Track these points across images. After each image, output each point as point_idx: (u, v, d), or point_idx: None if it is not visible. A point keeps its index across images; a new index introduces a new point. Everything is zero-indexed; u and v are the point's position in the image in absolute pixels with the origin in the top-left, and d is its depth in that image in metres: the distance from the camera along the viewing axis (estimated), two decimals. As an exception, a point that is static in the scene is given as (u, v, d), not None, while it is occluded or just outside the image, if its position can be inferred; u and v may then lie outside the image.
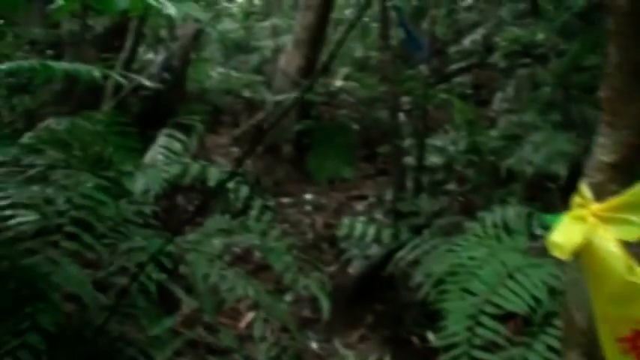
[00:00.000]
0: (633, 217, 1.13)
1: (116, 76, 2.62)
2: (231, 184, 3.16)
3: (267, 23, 10.87)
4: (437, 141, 5.92)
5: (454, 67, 8.40)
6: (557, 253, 1.15)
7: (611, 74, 1.19)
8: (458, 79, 8.62)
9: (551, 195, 4.76)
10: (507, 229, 3.76)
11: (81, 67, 2.26)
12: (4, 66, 2.46)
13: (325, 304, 3.22)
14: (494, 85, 8.03)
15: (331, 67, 9.81)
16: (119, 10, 1.53)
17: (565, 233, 1.16)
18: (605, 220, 1.16)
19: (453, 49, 8.75)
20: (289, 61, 8.35)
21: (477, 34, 8.21)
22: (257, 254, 5.41)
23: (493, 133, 5.61)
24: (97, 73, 2.38)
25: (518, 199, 4.72)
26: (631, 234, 1.13)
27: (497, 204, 4.46)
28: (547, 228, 1.23)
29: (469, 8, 9.00)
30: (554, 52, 5.80)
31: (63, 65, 2.18)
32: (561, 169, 4.49)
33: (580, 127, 5.19)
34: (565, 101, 5.33)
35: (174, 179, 3.35)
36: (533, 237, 3.72)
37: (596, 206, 1.18)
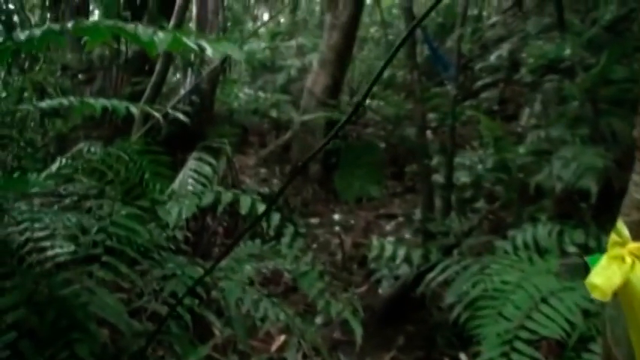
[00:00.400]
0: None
1: (150, 110, 2.66)
2: (262, 211, 3.18)
3: (292, 42, 10.96)
4: (465, 159, 5.91)
5: (480, 83, 8.39)
6: (596, 295, 1.16)
7: (645, 114, 1.20)
8: (484, 95, 8.60)
9: (582, 211, 4.72)
10: (538, 248, 3.76)
11: (119, 104, 2.31)
12: (44, 104, 2.51)
13: (358, 330, 3.23)
14: (520, 100, 8.00)
15: (357, 86, 9.88)
16: (158, 49, 1.57)
17: (604, 274, 1.17)
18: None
19: (478, 65, 8.74)
20: (315, 80, 8.42)
21: (503, 50, 8.18)
22: (286, 275, 5.44)
23: (521, 149, 5.57)
24: (134, 109, 2.43)
25: (549, 215, 4.69)
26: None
27: (528, 221, 4.45)
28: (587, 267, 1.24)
29: (494, 25, 9.00)
30: (581, 65, 5.76)
31: (101, 102, 2.22)
32: (591, 184, 4.44)
33: (609, 140, 5.15)
34: (593, 115, 5.29)
35: (207, 206, 3.40)
36: (565, 254, 3.71)
37: (633, 245, 1.18)
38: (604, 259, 1.20)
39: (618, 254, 1.18)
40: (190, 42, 1.57)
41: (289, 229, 3.29)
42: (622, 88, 5.55)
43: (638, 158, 1.23)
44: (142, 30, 1.59)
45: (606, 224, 4.12)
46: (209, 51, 1.55)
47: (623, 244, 1.19)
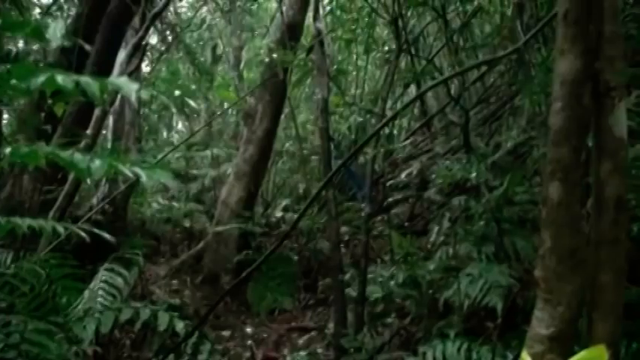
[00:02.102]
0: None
1: (75, 229, 2.66)
2: (180, 328, 3.18)
3: (207, 153, 11.06)
4: (376, 274, 6.03)
5: (391, 199, 8.66)
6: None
7: (546, 257, 1.33)
8: (395, 211, 8.87)
9: (489, 328, 4.87)
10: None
11: (45, 224, 2.32)
12: (-35, 221, 2.48)
13: None
14: (429, 216, 8.29)
15: (272, 199, 10.02)
16: (93, 177, 1.63)
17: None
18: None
19: (389, 182, 9.04)
20: (230, 192, 8.50)
21: (413, 168, 8.53)
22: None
23: (431, 265, 5.74)
24: (60, 229, 2.44)
25: (457, 331, 4.79)
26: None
27: (437, 337, 4.56)
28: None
29: (404, 145, 9.40)
30: (486, 186, 6.06)
31: (27, 221, 2.23)
32: (497, 301, 4.59)
33: (512, 259, 5.39)
34: (498, 234, 5.53)
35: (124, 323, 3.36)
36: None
37: (538, 376, 1.29)
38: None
39: (525, 384, 1.28)
40: (126, 169, 1.63)
41: (206, 346, 3.27)
42: (523, 209, 5.87)
43: (541, 297, 1.35)
44: (78, 157, 1.64)
45: (511, 341, 4.27)
46: (144, 178, 1.61)
47: (528, 375, 1.30)
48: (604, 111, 1.41)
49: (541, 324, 1.33)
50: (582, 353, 1.26)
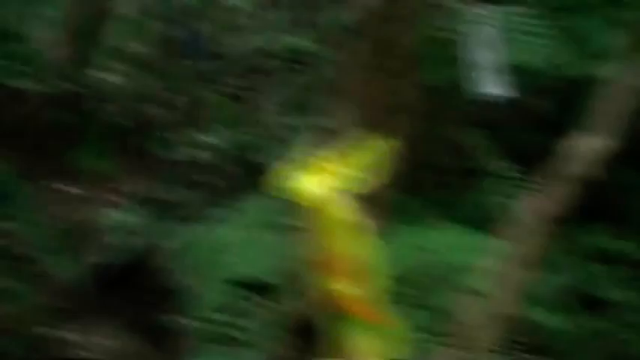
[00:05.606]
0: (343, 171, 1.41)
1: None
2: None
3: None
4: (198, 136, 6.07)
5: (225, 66, 8.56)
6: (297, 198, 1.40)
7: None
8: (228, 79, 8.80)
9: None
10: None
11: None
12: None
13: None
14: (262, 87, 8.31)
15: (99, 60, 9.56)
16: None
17: (302, 183, 1.42)
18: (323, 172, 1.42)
19: (225, 50, 8.91)
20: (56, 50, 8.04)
21: (250, 38, 8.46)
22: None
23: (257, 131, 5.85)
24: None
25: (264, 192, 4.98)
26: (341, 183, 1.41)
27: (245, 195, 4.72)
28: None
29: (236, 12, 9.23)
30: (322, 60, 6.15)
31: None
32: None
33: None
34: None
35: None
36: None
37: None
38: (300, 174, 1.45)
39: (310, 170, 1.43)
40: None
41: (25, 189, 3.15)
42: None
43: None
44: None
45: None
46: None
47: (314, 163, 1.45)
48: None
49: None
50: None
